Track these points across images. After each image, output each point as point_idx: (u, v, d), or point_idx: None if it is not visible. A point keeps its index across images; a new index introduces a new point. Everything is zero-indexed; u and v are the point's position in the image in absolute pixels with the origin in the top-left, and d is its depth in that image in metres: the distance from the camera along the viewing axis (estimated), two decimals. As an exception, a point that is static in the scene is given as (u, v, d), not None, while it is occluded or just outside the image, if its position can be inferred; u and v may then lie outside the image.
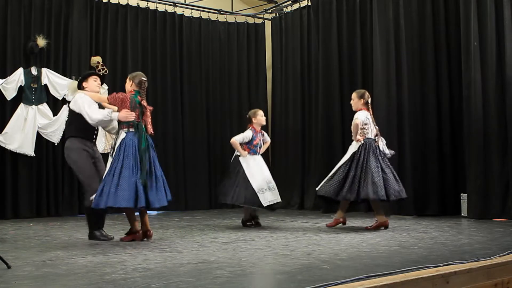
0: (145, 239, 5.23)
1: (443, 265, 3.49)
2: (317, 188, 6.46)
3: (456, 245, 4.64)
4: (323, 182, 6.33)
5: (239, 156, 6.56)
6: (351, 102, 6.43)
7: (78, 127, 5.34)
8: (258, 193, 6.35)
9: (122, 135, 5.10)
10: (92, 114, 5.21)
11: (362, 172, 5.99)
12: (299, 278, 3.24)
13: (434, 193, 7.81)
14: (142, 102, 5.23)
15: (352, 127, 6.25)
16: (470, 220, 7.00)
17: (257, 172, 6.50)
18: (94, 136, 5.51)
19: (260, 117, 6.67)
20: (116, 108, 5.20)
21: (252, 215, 6.64)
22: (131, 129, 5.11)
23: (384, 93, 8.17)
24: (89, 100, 5.31)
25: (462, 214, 7.44)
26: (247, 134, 6.59)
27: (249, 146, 6.58)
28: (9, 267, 3.67)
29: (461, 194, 7.53)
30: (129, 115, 5.09)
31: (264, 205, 6.38)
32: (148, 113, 5.28)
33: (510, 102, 7.04)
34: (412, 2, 8.13)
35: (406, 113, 8.00)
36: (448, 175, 7.82)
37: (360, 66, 8.98)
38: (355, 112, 6.33)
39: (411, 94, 8.02)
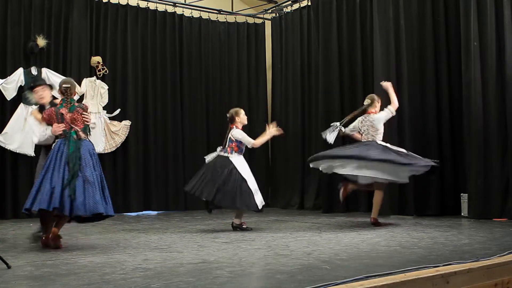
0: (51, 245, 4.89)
1: (443, 265, 3.49)
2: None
3: (456, 245, 4.64)
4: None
5: (227, 157, 6.23)
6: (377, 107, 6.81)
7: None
8: (255, 195, 6.12)
9: (55, 143, 5.10)
10: (33, 138, 5.27)
11: None
12: (299, 278, 3.24)
13: (434, 193, 7.80)
14: (63, 111, 5.12)
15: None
16: (470, 220, 7.00)
17: (249, 172, 6.29)
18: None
19: (243, 116, 6.46)
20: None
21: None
22: (61, 137, 5.07)
23: (384, 93, 8.14)
24: (36, 123, 5.36)
25: (462, 214, 7.44)
26: (247, 140, 6.33)
27: (239, 145, 6.32)
28: (9, 267, 3.67)
29: (461, 194, 7.53)
30: (58, 129, 5.06)
31: (260, 207, 6.15)
32: (77, 116, 5.12)
33: (510, 102, 7.03)
34: (412, 2, 8.13)
35: (406, 113, 8.00)
36: (448, 175, 7.82)
37: (360, 66, 8.97)
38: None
39: (411, 94, 8.02)
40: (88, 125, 5.19)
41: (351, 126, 6.89)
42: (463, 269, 3.40)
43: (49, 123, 5.18)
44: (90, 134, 5.22)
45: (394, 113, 6.80)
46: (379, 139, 6.65)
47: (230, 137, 6.34)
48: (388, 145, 6.61)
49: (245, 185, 6.10)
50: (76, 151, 4.94)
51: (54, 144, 5.09)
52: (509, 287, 3.63)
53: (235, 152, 6.29)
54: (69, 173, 4.83)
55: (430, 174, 6.69)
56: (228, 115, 6.54)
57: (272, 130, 6.44)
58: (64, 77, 8.57)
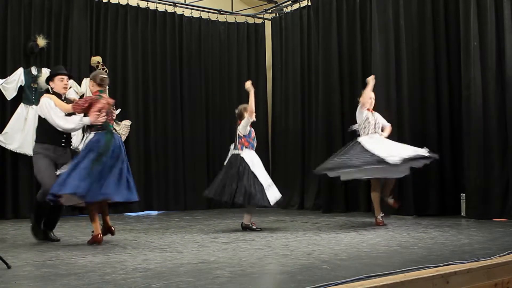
0: (109, 235, 5.28)
1: (443, 265, 3.49)
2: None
3: (456, 245, 4.64)
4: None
5: (238, 154, 6.21)
6: (372, 100, 6.76)
7: (43, 132, 5.32)
8: (266, 191, 6.04)
9: (91, 136, 5.10)
10: (62, 123, 5.20)
11: None
12: (299, 278, 3.24)
13: (434, 193, 7.80)
14: (104, 101, 5.18)
15: (387, 129, 6.88)
16: (470, 220, 7.00)
17: (261, 167, 6.24)
18: (64, 141, 5.38)
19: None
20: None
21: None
22: (99, 130, 5.09)
23: (384, 93, 8.15)
24: (54, 106, 5.24)
25: (462, 214, 7.44)
26: (246, 121, 6.25)
27: (248, 140, 6.28)
28: (9, 267, 3.67)
29: (461, 194, 7.52)
30: (100, 118, 5.07)
31: (272, 203, 6.08)
32: (111, 109, 5.24)
33: (510, 102, 7.03)
34: (412, 2, 8.13)
35: (406, 113, 8.00)
36: (448, 175, 7.82)
37: (360, 66, 8.97)
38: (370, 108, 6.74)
39: (411, 94, 8.02)
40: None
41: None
42: (463, 269, 3.40)
43: (85, 112, 5.14)
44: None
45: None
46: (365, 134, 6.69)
47: (238, 134, 6.31)
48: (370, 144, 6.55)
49: (257, 182, 6.04)
50: (118, 143, 5.07)
51: (91, 137, 5.05)
52: (509, 287, 3.63)
53: (246, 147, 6.24)
54: (100, 159, 4.90)
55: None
56: (236, 111, 6.51)
57: (249, 88, 6.47)
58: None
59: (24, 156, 8.20)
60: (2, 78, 8.19)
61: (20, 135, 8.18)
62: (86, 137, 5.16)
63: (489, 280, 3.52)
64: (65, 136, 5.39)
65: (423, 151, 6.38)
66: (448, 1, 7.98)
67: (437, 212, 7.70)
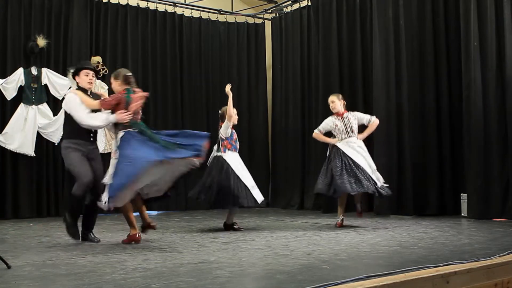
0: (148, 231, 5.27)
1: (443, 265, 3.49)
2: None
3: (456, 245, 4.64)
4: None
5: (221, 156, 6.22)
6: (333, 105, 6.59)
7: (71, 128, 5.24)
8: (252, 191, 6.12)
9: (121, 134, 5.05)
10: (88, 121, 5.13)
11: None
12: (299, 278, 3.24)
13: (434, 193, 7.80)
14: (133, 97, 5.14)
15: (371, 126, 6.58)
16: (470, 220, 7.00)
17: (243, 168, 6.29)
18: (92, 135, 5.33)
19: (234, 115, 6.41)
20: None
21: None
22: (128, 129, 5.04)
23: (384, 93, 8.16)
24: (79, 102, 5.16)
25: (462, 214, 7.44)
26: (226, 124, 6.30)
27: (230, 142, 6.32)
28: (9, 267, 3.67)
29: (461, 194, 7.52)
30: (126, 116, 5.02)
31: (259, 202, 6.18)
32: (139, 107, 5.19)
33: (510, 102, 7.03)
34: (412, 2, 8.12)
35: (406, 113, 8.00)
36: (448, 175, 7.82)
37: (360, 66, 8.97)
38: (337, 113, 6.59)
39: (411, 94, 8.02)
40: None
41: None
42: (463, 269, 3.40)
43: (113, 109, 5.07)
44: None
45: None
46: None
47: (220, 136, 6.35)
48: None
49: (241, 183, 6.09)
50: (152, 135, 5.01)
51: (122, 135, 4.99)
52: (509, 287, 3.63)
53: (228, 150, 6.28)
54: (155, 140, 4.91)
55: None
56: (220, 111, 6.56)
57: (228, 92, 6.41)
58: (64, 77, 8.62)
59: (24, 156, 8.21)
60: (2, 78, 8.19)
61: (20, 135, 8.19)
62: (116, 137, 5.07)
63: (489, 280, 3.52)
64: (93, 131, 5.33)
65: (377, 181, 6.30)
66: (448, 1, 7.98)
67: (437, 212, 7.70)
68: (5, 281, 3.30)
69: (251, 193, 6.11)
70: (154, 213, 9.23)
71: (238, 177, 6.11)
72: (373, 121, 6.62)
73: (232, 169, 6.12)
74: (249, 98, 10.72)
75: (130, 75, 5.25)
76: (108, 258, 4.15)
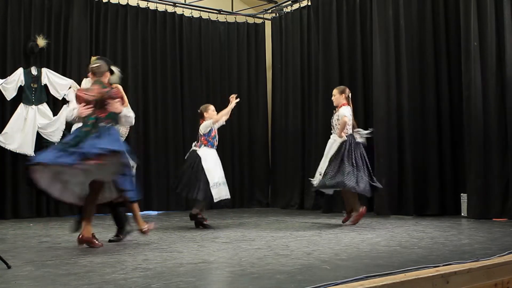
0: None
1: (443, 265, 3.49)
2: (315, 184, 6.62)
3: (456, 245, 4.64)
4: (319, 178, 6.56)
5: (195, 150, 6.58)
6: (333, 98, 6.80)
7: None
8: (211, 188, 6.37)
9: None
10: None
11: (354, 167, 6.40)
12: (299, 278, 3.24)
13: (434, 193, 7.80)
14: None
15: (339, 123, 6.59)
16: (470, 220, 7.00)
17: (215, 165, 6.54)
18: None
19: (211, 112, 6.73)
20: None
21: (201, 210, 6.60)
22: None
23: (384, 93, 8.16)
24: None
25: (462, 214, 7.44)
26: (208, 123, 6.61)
27: (207, 138, 6.63)
28: (9, 267, 3.67)
29: (461, 194, 7.52)
30: (84, 111, 4.95)
31: (215, 200, 6.41)
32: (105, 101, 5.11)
33: (510, 102, 7.03)
34: (412, 2, 8.12)
35: (406, 113, 8.00)
36: (448, 175, 7.82)
37: (360, 66, 8.96)
38: (335, 107, 6.73)
39: (411, 94, 8.02)
40: (115, 112, 4.99)
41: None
42: (463, 269, 3.40)
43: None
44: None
45: None
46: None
47: (199, 132, 6.69)
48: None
49: (204, 177, 6.36)
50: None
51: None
52: (509, 287, 3.63)
53: (204, 145, 6.61)
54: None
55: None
56: (199, 110, 6.86)
57: (232, 104, 6.81)
58: (64, 77, 8.62)
59: (24, 156, 8.20)
60: (2, 78, 8.19)
61: (20, 135, 8.18)
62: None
63: (489, 280, 3.52)
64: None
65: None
66: (448, 1, 7.98)
67: (437, 212, 7.70)
68: (5, 281, 3.30)
69: (208, 189, 6.35)
70: (154, 213, 9.24)
71: (203, 171, 6.38)
72: (341, 119, 6.61)
73: (200, 163, 6.43)
74: (249, 98, 10.71)
75: (93, 66, 5.29)
76: (108, 258, 4.15)
